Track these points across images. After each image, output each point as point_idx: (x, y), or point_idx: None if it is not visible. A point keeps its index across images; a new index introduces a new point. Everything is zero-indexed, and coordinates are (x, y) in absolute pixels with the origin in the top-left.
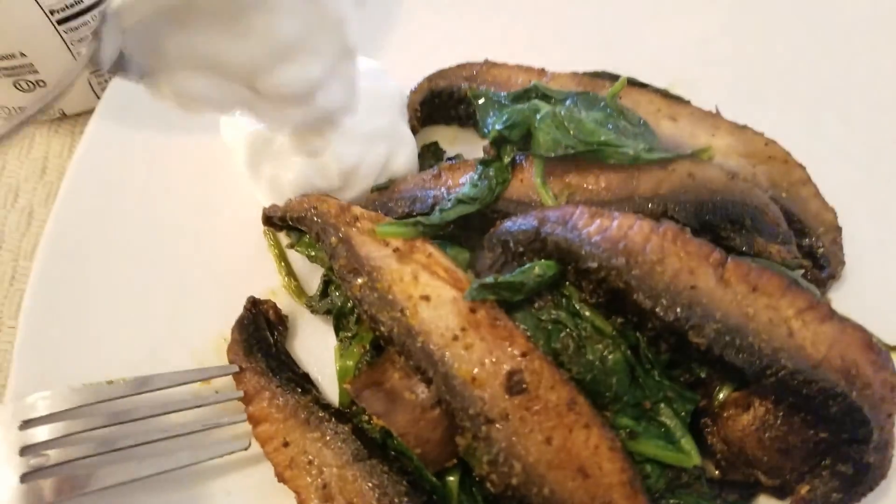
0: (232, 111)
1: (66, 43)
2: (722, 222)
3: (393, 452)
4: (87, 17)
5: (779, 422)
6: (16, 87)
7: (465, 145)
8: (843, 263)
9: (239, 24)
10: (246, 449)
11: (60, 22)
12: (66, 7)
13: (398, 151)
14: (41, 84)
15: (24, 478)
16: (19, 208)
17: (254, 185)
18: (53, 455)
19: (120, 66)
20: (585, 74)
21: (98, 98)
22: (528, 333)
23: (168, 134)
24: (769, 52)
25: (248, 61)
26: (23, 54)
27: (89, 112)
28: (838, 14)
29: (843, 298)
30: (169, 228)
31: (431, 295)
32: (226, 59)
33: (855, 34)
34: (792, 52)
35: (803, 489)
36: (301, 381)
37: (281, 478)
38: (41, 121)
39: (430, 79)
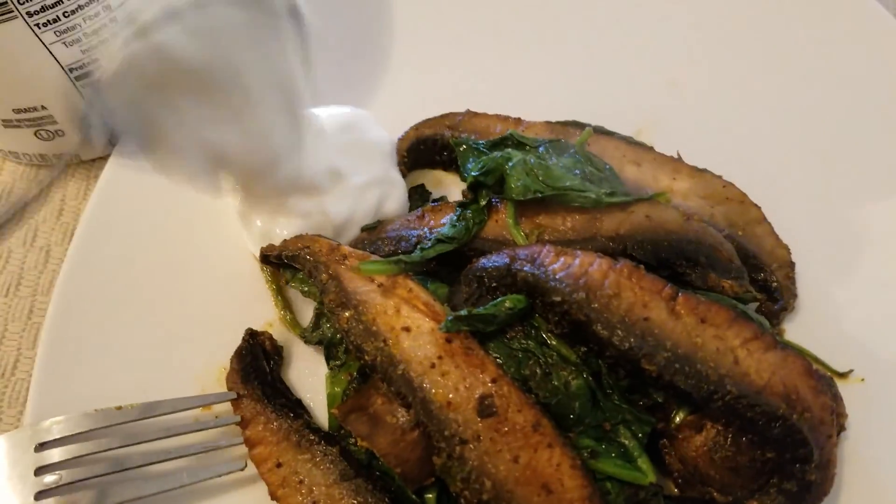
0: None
1: (82, 96)
2: (678, 259)
3: (377, 472)
4: None
5: (728, 443)
6: (37, 136)
7: (450, 187)
8: (795, 296)
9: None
10: (242, 469)
11: (78, 78)
12: (83, 65)
13: (390, 195)
14: (60, 133)
15: (39, 496)
16: (38, 247)
17: (246, 237)
18: (66, 475)
19: (112, 144)
20: (557, 123)
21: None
22: (500, 361)
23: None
24: (729, 101)
25: (222, 140)
26: (43, 107)
27: (104, 158)
28: (795, 62)
29: (796, 329)
30: (175, 267)
31: (412, 326)
32: (206, 135)
33: (812, 82)
34: (750, 101)
35: None
36: (294, 407)
37: (274, 496)
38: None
39: (416, 127)
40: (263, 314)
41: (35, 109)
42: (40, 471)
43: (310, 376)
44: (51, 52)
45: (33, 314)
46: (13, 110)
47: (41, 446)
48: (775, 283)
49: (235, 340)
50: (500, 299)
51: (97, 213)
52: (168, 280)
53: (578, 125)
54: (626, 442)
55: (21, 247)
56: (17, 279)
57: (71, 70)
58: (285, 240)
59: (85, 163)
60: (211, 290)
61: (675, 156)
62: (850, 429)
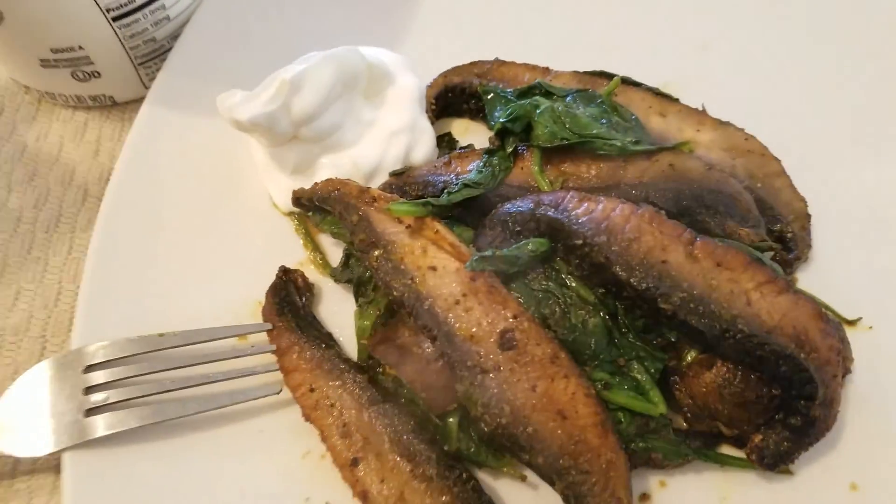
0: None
1: (119, 38)
2: (698, 207)
3: (402, 400)
4: (138, 14)
5: (737, 380)
6: (73, 77)
7: (476, 136)
8: (809, 247)
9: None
10: (278, 394)
11: (115, 19)
12: (121, 6)
13: (418, 142)
14: (96, 75)
15: (88, 413)
16: (75, 186)
17: (272, 191)
18: (112, 395)
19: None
20: (585, 73)
21: (146, 88)
22: (521, 300)
23: (209, 128)
24: (755, 57)
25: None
26: (81, 48)
27: (137, 101)
28: (818, 25)
29: (808, 278)
30: (209, 209)
31: (438, 266)
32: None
33: (833, 43)
34: (774, 58)
35: (757, 438)
36: (325, 339)
37: (308, 418)
38: (94, 108)
39: (445, 75)
40: (295, 257)
41: (73, 49)
42: (89, 390)
43: (339, 313)
44: None
45: (73, 250)
46: (51, 49)
47: (89, 368)
48: (791, 234)
49: (269, 278)
50: (523, 242)
51: (135, 152)
52: (203, 221)
53: (606, 76)
54: (639, 376)
55: (59, 186)
56: (56, 217)
57: (108, 10)
58: (316, 183)
59: (119, 105)
60: (244, 232)
61: (700, 109)
62: (856, 373)
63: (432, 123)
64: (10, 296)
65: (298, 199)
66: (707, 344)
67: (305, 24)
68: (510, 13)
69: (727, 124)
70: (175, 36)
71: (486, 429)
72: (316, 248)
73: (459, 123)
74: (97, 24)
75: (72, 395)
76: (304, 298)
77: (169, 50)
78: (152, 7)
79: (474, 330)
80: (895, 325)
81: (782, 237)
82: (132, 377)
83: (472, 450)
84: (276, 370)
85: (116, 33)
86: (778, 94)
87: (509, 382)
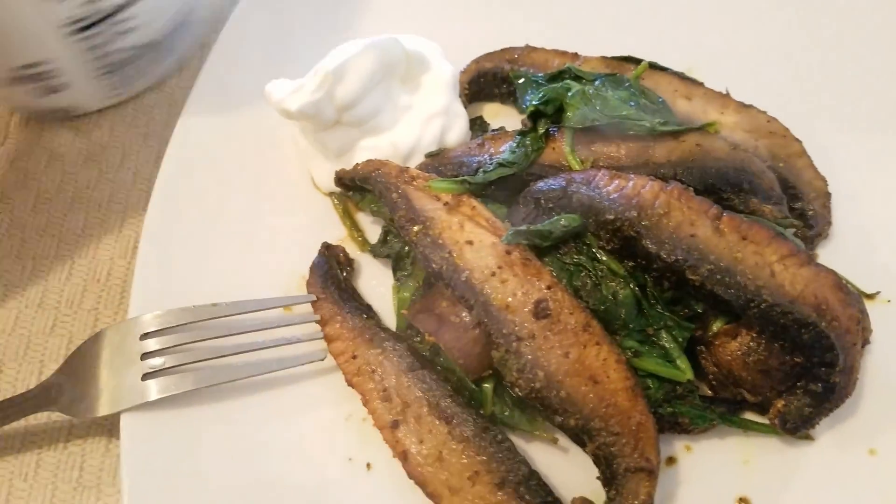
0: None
1: (81, 50)
2: (723, 185)
3: (439, 367)
4: (100, 27)
5: (761, 348)
6: (38, 91)
7: (506, 119)
8: (829, 224)
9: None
10: (322, 360)
11: (75, 32)
12: (80, 20)
13: (453, 125)
14: (62, 87)
15: (146, 377)
16: (126, 168)
17: (314, 175)
18: (168, 360)
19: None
20: (613, 58)
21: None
22: (554, 273)
23: (254, 114)
24: (777, 43)
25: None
26: (44, 62)
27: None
28: (839, 7)
29: (829, 254)
30: (258, 189)
31: (474, 240)
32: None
33: (853, 30)
34: (796, 43)
35: (779, 403)
36: (365, 310)
37: (350, 383)
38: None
39: (477, 61)
40: (336, 235)
41: (36, 65)
42: (146, 356)
43: (377, 287)
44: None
45: (124, 227)
46: (12, 67)
47: (145, 336)
48: (812, 212)
49: (312, 254)
50: (556, 217)
51: (185, 136)
52: (249, 202)
53: (633, 60)
54: (667, 345)
55: (111, 169)
56: (108, 196)
57: (67, 25)
58: (357, 164)
59: (167, 89)
60: (288, 211)
61: (724, 92)
62: (875, 343)
63: (465, 107)
64: (64, 270)
65: (341, 178)
66: (733, 313)
67: (344, 15)
68: (539, 1)
69: (750, 107)
70: (143, 45)
71: (520, 393)
72: (355, 226)
73: (490, 107)
74: (57, 39)
75: (129, 361)
76: (345, 272)
77: (137, 58)
78: (114, 19)
79: (510, 300)
80: None
81: (804, 215)
82: (186, 343)
83: (507, 413)
84: (321, 339)
85: (77, 46)
86: (800, 78)
87: (543, 349)
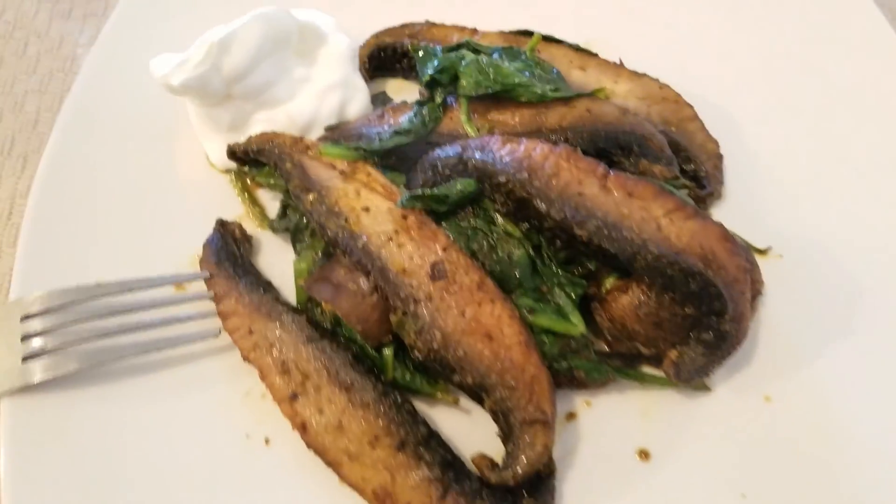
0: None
1: None
2: (614, 148)
3: (341, 338)
4: None
5: (652, 301)
6: None
7: (411, 95)
8: (721, 183)
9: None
10: (217, 336)
11: None
12: None
13: (353, 98)
14: None
15: (26, 359)
16: (15, 155)
17: (208, 150)
18: (50, 342)
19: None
20: (510, 33)
21: None
22: (451, 238)
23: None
24: (670, 12)
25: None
26: None
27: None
28: None
29: (722, 214)
30: (150, 168)
31: (371, 206)
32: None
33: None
34: (687, 13)
35: (672, 354)
36: (263, 285)
37: (246, 358)
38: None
39: (377, 35)
40: (233, 213)
41: None
42: (26, 338)
43: (278, 263)
44: None
45: (13, 215)
46: None
47: (26, 317)
48: (704, 173)
49: (207, 232)
50: (452, 182)
51: (73, 114)
52: (141, 180)
53: (530, 34)
54: (561, 301)
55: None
56: None
57: None
58: (251, 136)
59: (57, 73)
60: (181, 189)
61: (618, 62)
62: (767, 296)
63: (367, 83)
64: None
65: (234, 152)
66: (621, 267)
67: None
68: None
69: (643, 75)
70: None
71: (419, 356)
72: (254, 202)
73: (393, 83)
74: None
75: (9, 344)
76: (242, 248)
77: None
78: None
79: (406, 263)
80: (802, 253)
81: (696, 177)
82: (70, 323)
83: (408, 378)
84: (215, 315)
85: None
86: (690, 46)
87: (440, 309)
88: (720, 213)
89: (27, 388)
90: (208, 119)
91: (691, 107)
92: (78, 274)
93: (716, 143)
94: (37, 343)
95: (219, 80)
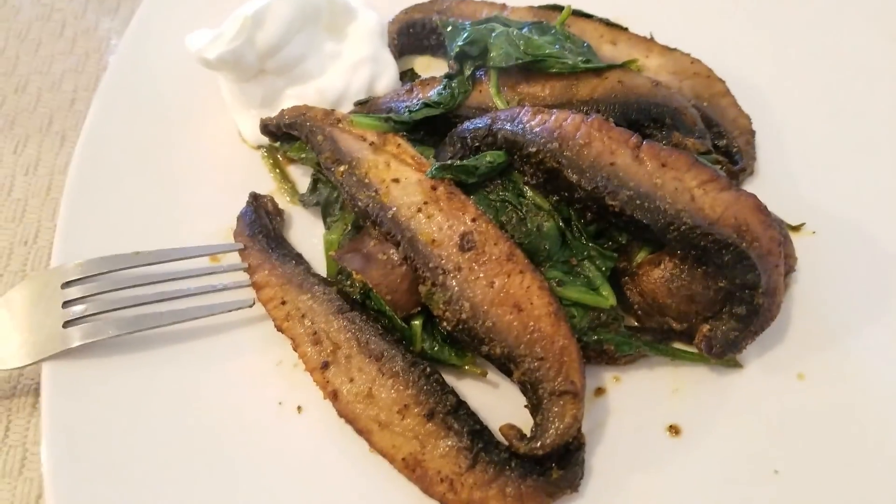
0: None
1: None
2: (646, 120)
3: (370, 310)
4: None
5: (684, 274)
6: None
7: (438, 72)
8: (754, 159)
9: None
10: (251, 306)
11: None
12: None
13: (382, 74)
14: None
15: (66, 324)
16: (53, 132)
17: (241, 128)
18: (90, 307)
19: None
20: (540, 7)
21: None
22: (480, 209)
23: (180, 67)
24: None
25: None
26: None
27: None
28: None
29: (754, 188)
30: (184, 142)
31: (400, 177)
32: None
33: None
34: None
35: (704, 328)
36: (295, 257)
37: (280, 328)
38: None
39: (406, 11)
40: (265, 188)
41: None
42: (67, 304)
43: (309, 237)
44: None
45: (51, 190)
46: None
47: (67, 284)
48: (736, 148)
49: (241, 206)
50: (481, 154)
51: (111, 92)
52: (176, 154)
53: (559, 9)
54: (591, 274)
55: (38, 133)
56: (35, 161)
57: None
58: (283, 109)
59: (93, 54)
60: (215, 164)
61: (649, 36)
62: (800, 272)
63: (395, 59)
64: None
65: (266, 126)
66: (656, 243)
67: None
68: None
69: (674, 50)
70: None
71: (448, 326)
72: (285, 177)
73: (422, 61)
74: None
75: (50, 309)
76: (273, 222)
77: None
78: None
79: (436, 234)
80: (836, 230)
81: (728, 152)
82: (109, 291)
83: (436, 349)
84: (249, 286)
85: None
86: (722, 21)
87: (469, 280)
88: (752, 188)
89: (67, 352)
90: (241, 95)
91: (723, 82)
92: (116, 245)
93: (748, 118)
94: (77, 309)
95: (252, 54)
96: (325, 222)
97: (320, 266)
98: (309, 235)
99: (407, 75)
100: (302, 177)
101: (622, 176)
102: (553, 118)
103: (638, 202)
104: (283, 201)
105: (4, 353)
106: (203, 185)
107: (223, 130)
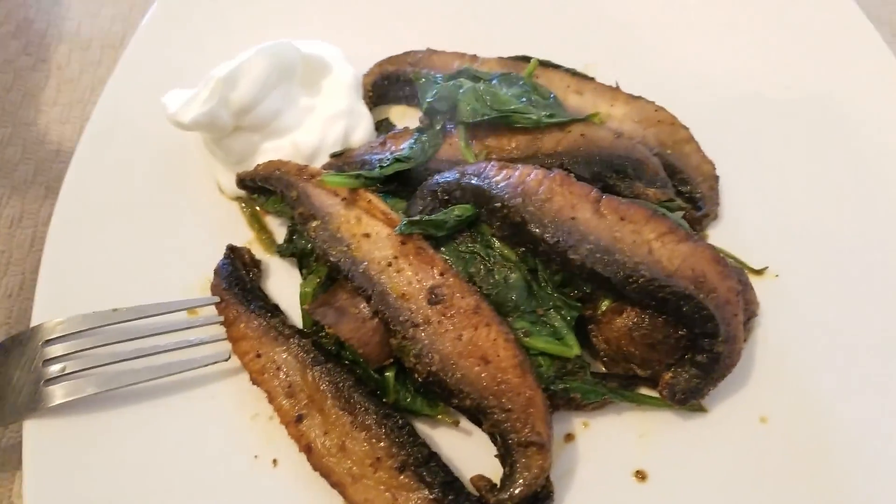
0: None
1: None
2: (608, 172)
3: (345, 361)
4: None
5: (646, 322)
6: None
7: (413, 121)
8: (717, 204)
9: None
10: (227, 360)
11: None
12: None
13: (357, 126)
14: None
15: (46, 383)
16: (38, 184)
17: (219, 179)
18: (70, 366)
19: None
20: (509, 59)
21: None
22: (450, 262)
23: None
24: (664, 37)
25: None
26: None
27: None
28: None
29: (718, 235)
30: (163, 196)
31: (371, 232)
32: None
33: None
34: (683, 40)
35: (667, 376)
36: (271, 309)
37: (255, 381)
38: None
39: (380, 64)
40: (243, 238)
41: None
42: (47, 363)
43: (286, 288)
44: None
45: (35, 243)
46: None
47: (47, 342)
48: (700, 194)
49: (219, 257)
50: (450, 208)
51: (90, 148)
52: (154, 208)
53: (527, 59)
54: (556, 324)
55: (23, 184)
56: (20, 213)
57: None
58: (258, 164)
59: (79, 103)
60: (193, 217)
61: (615, 86)
62: (763, 316)
63: (370, 110)
64: None
65: (242, 180)
66: (615, 290)
67: (245, 22)
68: (439, 5)
69: (639, 98)
70: None
71: (419, 378)
72: (262, 228)
73: (397, 110)
74: None
75: (31, 368)
76: (251, 273)
77: None
78: None
79: (405, 288)
80: (798, 273)
81: (692, 198)
82: (88, 349)
83: (409, 400)
84: (225, 339)
85: None
86: (686, 69)
87: (438, 333)
88: (716, 233)
89: (47, 410)
90: (218, 150)
91: (687, 129)
92: (96, 299)
93: (711, 164)
94: (56, 367)
95: (227, 114)
96: (301, 273)
97: (298, 315)
98: (286, 285)
99: (383, 125)
100: (280, 227)
101: (583, 230)
102: (517, 173)
103: (598, 255)
104: (260, 251)
105: None
106: (182, 237)
107: (202, 182)
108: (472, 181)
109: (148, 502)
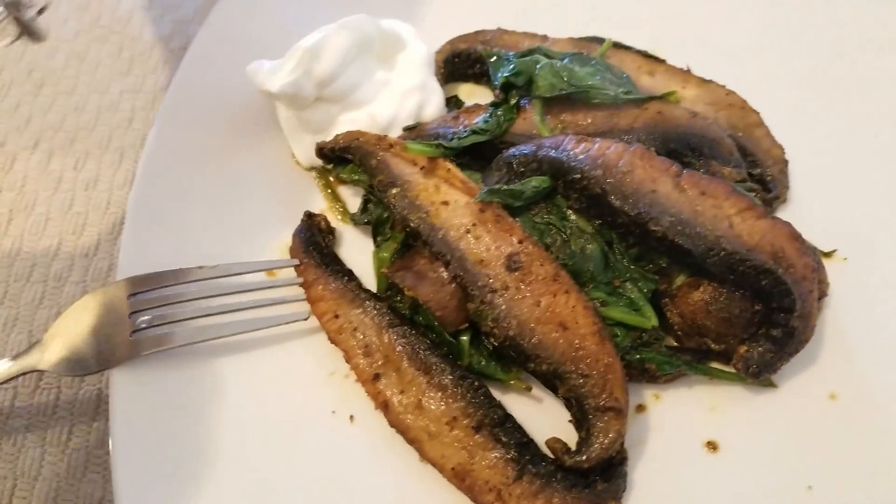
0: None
1: None
2: (685, 150)
3: (419, 325)
4: None
5: (722, 297)
6: None
7: (482, 99)
8: (787, 188)
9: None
10: (306, 320)
11: None
12: None
13: (429, 101)
14: None
15: (133, 333)
16: (112, 149)
17: (296, 151)
18: (156, 318)
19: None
20: (580, 39)
21: None
22: (526, 232)
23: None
24: (736, 20)
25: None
26: None
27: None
28: None
29: (787, 216)
30: (242, 165)
31: (450, 200)
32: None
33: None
34: (755, 21)
35: (742, 349)
36: (347, 273)
37: (333, 340)
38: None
39: (451, 42)
40: (317, 207)
41: None
42: (134, 315)
43: (358, 255)
44: None
45: (111, 205)
46: None
47: (133, 296)
48: (770, 177)
49: (296, 224)
50: (527, 179)
51: (171, 113)
52: (234, 177)
53: (599, 40)
54: (633, 295)
55: (97, 149)
56: (95, 177)
57: None
58: (337, 134)
59: (150, 75)
60: (270, 185)
61: (685, 69)
62: (832, 297)
63: (441, 87)
64: (52, 246)
65: (322, 150)
66: (694, 264)
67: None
68: None
69: (710, 81)
70: None
71: (495, 342)
72: (336, 198)
73: (466, 88)
74: None
75: (118, 320)
76: (326, 239)
77: None
78: None
79: (484, 254)
80: (866, 256)
81: (762, 180)
82: (173, 302)
83: (483, 364)
84: (303, 300)
85: None
86: (757, 53)
87: (516, 299)
88: (786, 216)
89: (134, 362)
90: (297, 121)
91: (757, 113)
92: (176, 258)
93: (781, 148)
94: (144, 318)
95: (310, 84)
96: (375, 241)
97: (370, 282)
98: (358, 253)
99: (452, 102)
100: (351, 197)
101: (664, 203)
102: (596, 146)
103: (679, 228)
104: (334, 220)
105: (74, 361)
106: (259, 203)
107: (277, 152)
108: (550, 153)
109: (227, 451)
